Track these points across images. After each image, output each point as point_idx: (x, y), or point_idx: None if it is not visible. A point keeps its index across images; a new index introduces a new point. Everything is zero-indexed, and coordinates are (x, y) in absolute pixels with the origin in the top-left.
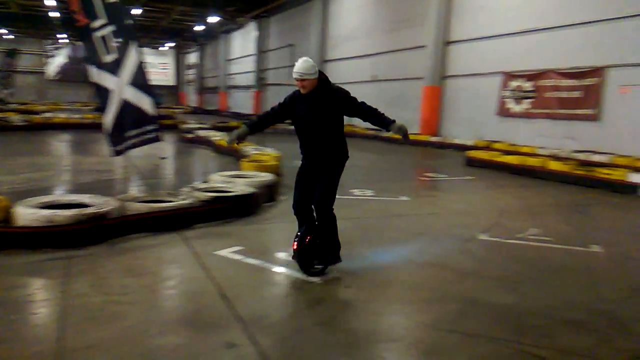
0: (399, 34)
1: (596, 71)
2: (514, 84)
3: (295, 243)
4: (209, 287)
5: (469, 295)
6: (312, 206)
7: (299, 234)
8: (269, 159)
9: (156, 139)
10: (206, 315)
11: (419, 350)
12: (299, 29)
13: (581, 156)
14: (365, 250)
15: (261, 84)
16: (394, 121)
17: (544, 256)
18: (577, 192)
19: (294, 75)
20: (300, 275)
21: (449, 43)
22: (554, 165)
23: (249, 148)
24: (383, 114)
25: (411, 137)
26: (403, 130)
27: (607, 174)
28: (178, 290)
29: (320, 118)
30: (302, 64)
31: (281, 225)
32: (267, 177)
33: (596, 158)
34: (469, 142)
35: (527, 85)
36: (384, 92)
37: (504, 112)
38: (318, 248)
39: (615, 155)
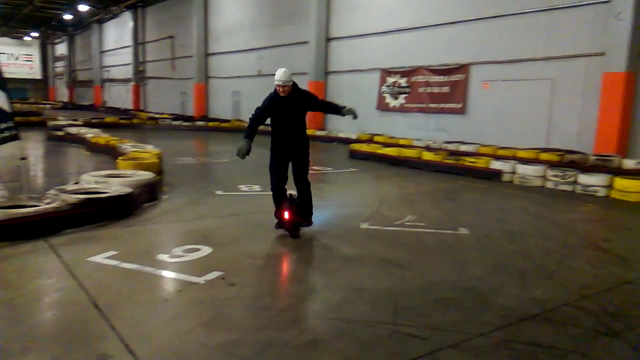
0: (283, 29)
1: (461, 68)
2: (391, 79)
3: (287, 214)
4: (79, 296)
5: (351, 283)
6: (295, 184)
7: (286, 208)
8: (148, 156)
9: (15, 138)
10: (77, 328)
11: (300, 341)
12: (179, 21)
13: (451, 147)
14: (250, 246)
15: (140, 77)
16: (344, 107)
17: (419, 240)
18: (448, 180)
19: (277, 83)
20: (185, 277)
21: (330, 39)
22: (427, 156)
23: (126, 145)
24: (336, 104)
25: None
26: (352, 112)
27: (473, 162)
28: (44, 303)
29: (297, 114)
30: (283, 75)
31: (162, 227)
32: (146, 175)
33: (464, 148)
34: (353, 136)
35: (403, 81)
36: (270, 87)
37: (383, 107)
38: (302, 215)
39: (480, 145)
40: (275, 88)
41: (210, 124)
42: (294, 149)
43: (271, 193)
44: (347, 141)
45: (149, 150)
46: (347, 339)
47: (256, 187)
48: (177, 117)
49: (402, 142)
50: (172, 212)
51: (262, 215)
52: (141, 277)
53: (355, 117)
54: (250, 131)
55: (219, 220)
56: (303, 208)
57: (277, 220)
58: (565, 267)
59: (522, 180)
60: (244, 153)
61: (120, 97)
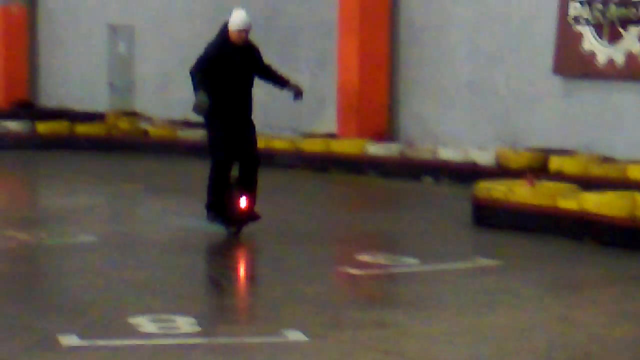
0: None
1: None
2: None
3: (244, 200)
4: None
5: None
6: (243, 161)
7: (241, 192)
8: None
9: None
10: None
11: None
12: None
13: None
14: None
15: None
16: (287, 79)
17: None
18: None
19: (236, 27)
20: None
21: None
22: None
23: None
24: (281, 73)
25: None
26: (298, 89)
27: None
28: None
29: (250, 72)
30: (245, 16)
31: None
32: None
33: None
34: (481, 156)
35: None
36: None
37: (578, 66)
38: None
39: None
40: (226, 34)
41: (45, 126)
42: (244, 118)
43: (211, 176)
44: (463, 171)
45: None
46: None
47: (185, 321)
48: None
49: None
50: None
51: None
52: None
53: (298, 96)
54: (203, 82)
55: None
56: (250, 192)
57: (213, 211)
58: None
59: None
60: (205, 107)
61: None
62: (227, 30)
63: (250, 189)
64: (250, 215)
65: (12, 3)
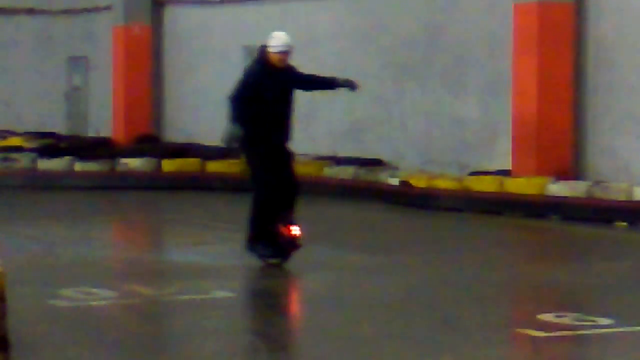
0: None
1: None
2: None
3: (296, 227)
4: None
5: None
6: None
7: (291, 221)
8: None
9: None
10: None
11: None
12: None
13: None
14: None
15: None
16: (334, 77)
17: None
18: None
19: (279, 49)
20: None
21: None
22: None
23: None
24: (323, 76)
25: None
26: (349, 82)
27: None
28: None
29: (290, 95)
30: (286, 38)
31: None
32: None
33: None
34: None
35: None
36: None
37: None
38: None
39: None
40: (265, 58)
41: (172, 164)
42: (284, 142)
43: (255, 208)
44: None
45: None
46: None
47: None
48: (53, 148)
49: None
50: None
51: None
52: None
53: (353, 88)
54: (241, 113)
55: None
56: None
57: (258, 244)
58: None
59: None
60: (236, 140)
61: None
62: (266, 54)
63: (291, 217)
64: (297, 245)
65: (135, 22)
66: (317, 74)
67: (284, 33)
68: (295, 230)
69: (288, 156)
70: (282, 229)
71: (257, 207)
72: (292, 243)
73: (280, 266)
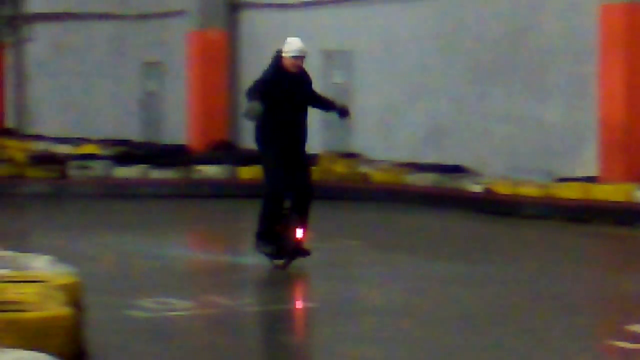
0: None
1: None
2: None
3: (300, 231)
4: None
5: None
6: (297, 191)
7: (296, 223)
8: (36, 297)
9: None
10: None
11: None
12: None
13: None
14: None
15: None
16: (333, 101)
17: None
18: None
19: (292, 54)
20: None
21: None
22: None
23: None
24: (327, 97)
25: None
26: (345, 109)
27: None
28: None
29: (305, 97)
30: (300, 44)
31: None
32: None
33: None
34: None
35: None
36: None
37: None
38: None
39: None
40: (280, 62)
41: (248, 171)
42: (300, 145)
43: (263, 205)
44: None
45: (41, 276)
46: None
47: None
48: (128, 155)
49: None
50: None
51: None
52: None
53: (344, 115)
54: (259, 96)
55: None
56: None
57: (262, 241)
58: None
59: None
60: (257, 114)
61: None
62: (280, 58)
63: (303, 222)
64: (302, 250)
65: (210, 27)
66: (322, 95)
67: (298, 39)
68: (299, 233)
69: (303, 160)
70: (288, 231)
71: (264, 206)
72: (295, 246)
73: (284, 268)
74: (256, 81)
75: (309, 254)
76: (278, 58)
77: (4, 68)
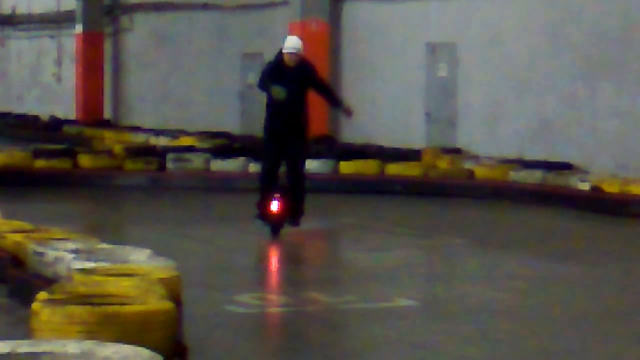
0: None
1: None
2: None
3: (276, 205)
4: None
5: None
6: (287, 175)
7: (276, 199)
8: (137, 290)
9: None
10: None
11: None
12: None
13: None
14: None
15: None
16: (340, 99)
17: None
18: None
19: (286, 51)
20: None
21: None
22: None
23: (63, 248)
24: (334, 92)
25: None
26: (349, 109)
27: None
28: None
29: (299, 89)
30: (296, 42)
31: None
32: None
33: None
34: None
35: None
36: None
37: None
38: (291, 210)
39: None
40: (281, 57)
41: (349, 166)
42: (290, 131)
43: (259, 180)
44: None
45: (140, 270)
46: None
47: None
48: (227, 148)
49: None
50: None
51: None
52: None
53: (349, 115)
54: (270, 82)
55: None
56: (293, 203)
57: (258, 212)
58: None
59: None
60: (285, 95)
61: (27, 84)
62: (281, 53)
63: (295, 200)
64: (280, 219)
65: (312, 18)
66: (330, 88)
67: (295, 37)
68: (273, 206)
69: (296, 146)
70: (268, 203)
71: (259, 180)
72: (270, 217)
73: (273, 241)
74: (262, 72)
75: (297, 225)
76: (279, 53)
77: (103, 59)
